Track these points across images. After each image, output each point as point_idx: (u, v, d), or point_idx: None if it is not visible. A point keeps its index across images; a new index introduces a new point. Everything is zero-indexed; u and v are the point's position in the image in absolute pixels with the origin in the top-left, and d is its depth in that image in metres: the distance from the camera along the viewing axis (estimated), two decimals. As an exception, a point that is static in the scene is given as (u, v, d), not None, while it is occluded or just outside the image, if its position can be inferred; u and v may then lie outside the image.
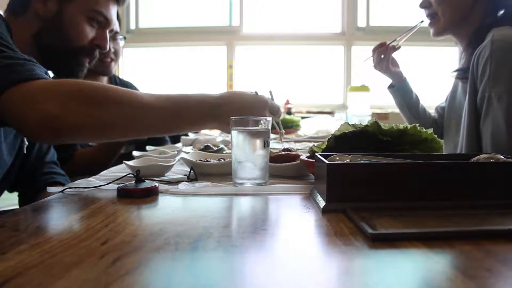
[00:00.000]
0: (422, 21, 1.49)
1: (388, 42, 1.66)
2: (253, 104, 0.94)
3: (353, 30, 3.69)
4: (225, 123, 0.90)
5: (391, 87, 1.67)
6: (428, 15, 1.36)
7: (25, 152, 1.19)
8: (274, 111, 1.01)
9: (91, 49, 1.13)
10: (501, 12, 1.26)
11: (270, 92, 1.18)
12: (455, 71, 1.37)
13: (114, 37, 1.82)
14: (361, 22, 3.70)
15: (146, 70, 3.72)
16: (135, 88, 2.06)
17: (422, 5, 1.36)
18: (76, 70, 1.12)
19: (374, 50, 1.68)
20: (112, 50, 1.80)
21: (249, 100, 0.95)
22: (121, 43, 1.87)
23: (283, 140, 1.19)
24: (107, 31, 1.15)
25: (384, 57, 1.64)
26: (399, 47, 1.67)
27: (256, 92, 0.95)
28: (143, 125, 0.85)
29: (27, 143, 1.18)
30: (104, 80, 1.90)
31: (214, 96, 0.93)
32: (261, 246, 0.55)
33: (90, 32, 1.11)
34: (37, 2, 1.07)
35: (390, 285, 0.42)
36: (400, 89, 1.64)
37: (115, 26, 1.20)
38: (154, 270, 0.44)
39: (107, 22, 1.13)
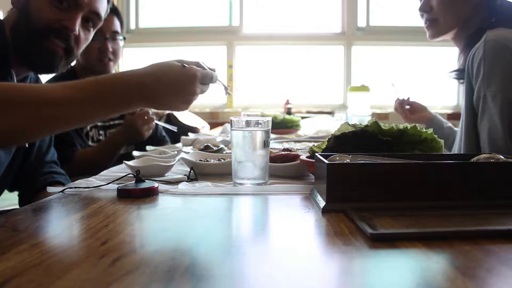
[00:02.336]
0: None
1: (396, 98, 1.85)
2: (181, 79, 0.85)
3: (353, 30, 3.69)
4: (154, 102, 0.86)
5: None
6: (427, 19, 1.36)
7: (26, 145, 1.17)
8: (207, 80, 0.91)
9: (58, 31, 1.06)
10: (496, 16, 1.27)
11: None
12: (452, 71, 1.38)
13: (113, 37, 1.81)
14: (361, 22, 3.69)
15: (146, 70, 3.71)
16: None
17: (422, 9, 1.36)
18: (49, 58, 1.08)
19: (396, 110, 1.87)
20: (111, 50, 1.79)
21: (177, 76, 0.86)
22: (121, 43, 1.86)
23: (230, 92, 1.14)
24: (79, 14, 1.08)
25: (403, 112, 1.82)
26: (408, 99, 1.82)
27: (183, 65, 0.85)
28: (60, 122, 0.80)
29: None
30: None
31: (138, 73, 0.85)
32: (261, 246, 0.55)
33: (53, 12, 1.05)
34: None
35: (390, 285, 0.42)
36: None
37: (96, 8, 1.12)
38: (154, 270, 0.44)
39: (76, 3, 1.07)
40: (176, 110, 0.92)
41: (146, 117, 1.68)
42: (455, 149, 1.31)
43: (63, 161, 1.43)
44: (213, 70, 0.93)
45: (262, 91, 3.78)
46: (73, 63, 1.84)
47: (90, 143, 1.72)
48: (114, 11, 1.83)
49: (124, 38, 1.88)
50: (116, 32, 1.82)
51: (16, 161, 1.18)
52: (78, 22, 1.08)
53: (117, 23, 1.83)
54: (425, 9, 1.35)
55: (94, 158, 1.59)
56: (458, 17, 1.30)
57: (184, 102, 0.87)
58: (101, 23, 1.18)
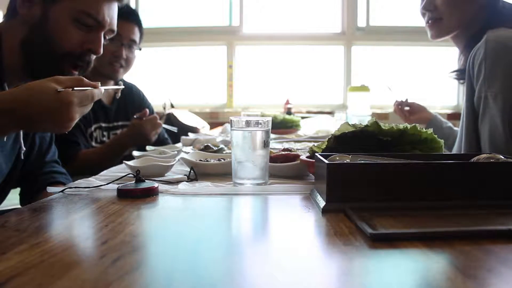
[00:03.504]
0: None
1: (395, 101, 1.86)
2: (55, 106, 0.78)
3: (353, 30, 3.69)
4: (29, 128, 0.82)
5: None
6: (431, 18, 1.36)
7: (22, 158, 1.17)
8: (87, 101, 0.83)
9: (82, 54, 1.04)
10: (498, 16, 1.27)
11: None
12: (453, 72, 1.38)
13: (130, 45, 1.82)
14: (361, 22, 3.69)
15: (146, 70, 3.71)
16: (137, 90, 2.06)
17: (426, 8, 1.35)
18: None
19: (395, 112, 1.88)
20: (125, 57, 1.79)
21: (49, 102, 0.78)
22: (136, 53, 1.87)
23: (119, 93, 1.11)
24: (102, 34, 1.06)
25: (402, 113, 1.84)
26: (406, 100, 1.83)
27: (57, 90, 0.78)
28: None
29: (24, 148, 1.15)
30: (111, 84, 1.90)
31: (8, 99, 0.78)
32: (261, 246, 0.55)
33: (78, 36, 1.02)
34: (21, 7, 1.01)
35: (390, 285, 0.42)
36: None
37: (113, 26, 1.10)
38: (154, 270, 0.44)
39: (99, 24, 1.04)
40: (55, 133, 0.86)
41: (154, 122, 1.68)
42: (456, 149, 1.31)
43: (66, 160, 1.43)
44: (94, 86, 0.84)
45: (262, 91, 3.78)
46: None
47: (93, 143, 1.72)
48: (137, 22, 1.85)
49: (140, 49, 1.88)
50: (133, 41, 1.83)
51: (16, 169, 1.18)
52: (102, 43, 1.06)
53: (137, 33, 1.85)
54: (429, 8, 1.34)
55: (98, 159, 1.59)
56: (463, 17, 1.29)
57: (62, 127, 0.82)
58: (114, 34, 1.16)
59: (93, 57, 1.08)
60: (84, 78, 0.83)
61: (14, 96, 0.79)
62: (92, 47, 1.04)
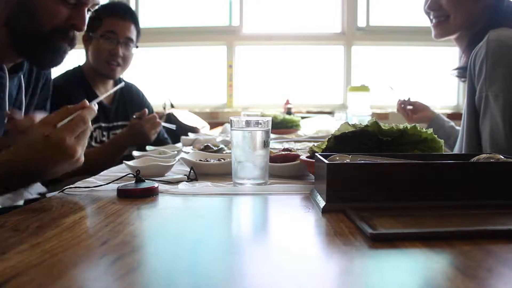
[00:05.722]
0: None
1: (398, 100, 1.86)
2: (51, 152, 0.78)
3: (353, 30, 3.69)
4: (44, 177, 0.83)
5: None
6: (436, 17, 1.35)
7: None
8: (80, 128, 0.81)
9: (65, 30, 1.02)
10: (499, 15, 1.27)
11: None
12: (455, 69, 1.38)
13: (126, 43, 1.82)
14: (361, 22, 3.69)
15: (146, 70, 3.71)
16: (137, 90, 2.06)
17: (431, 7, 1.35)
18: (54, 55, 1.05)
19: (398, 111, 1.88)
20: (121, 55, 1.79)
21: (44, 149, 0.78)
22: (133, 51, 1.87)
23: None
24: (85, 10, 1.04)
25: (405, 112, 1.84)
26: (409, 99, 1.84)
27: (45, 135, 0.77)
28: None
29: None
30: (109, 83, 1.90)
31: (5, 159, 0.79)
32: (261, 246, 0.55)
33: (61, 11, 1.00)
34: None
35: (390, 285, 0.42)
36: (432, 128, 1.67)
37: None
38: (154, 270, 0.44)
39: (81, 0, 1.01)
40: (71, 169, 0.84)
41: (153, 122, 1.68)
42: (457, 149, 1.31)
43: None
44: (82, 107, 0.82)
45: (262, 91, 3.78)
46: (81, 63, 1.85)
47: (93, 143, 1.72)
48: (133, 20, 1.85)
49: (137, 47, 1.88)
50: (130, 39, 1.83)
51: None
52: (85, 20, 1.05)
53: (133, 31, 1.85)
54: (433, 7, 1.34)
55: (97, 159, 1.59)
56: (468, 16, 1.29)
57: (71, 164, 0.81)
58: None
59: (76, 33, 1.06)
60: (69, 106, 0.81)
61: (12, 156, 0.79)
62: (76, 22, 1.03)
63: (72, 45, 1.08)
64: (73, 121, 0.79)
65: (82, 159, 0.83)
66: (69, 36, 1.05)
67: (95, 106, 0.84)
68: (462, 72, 1.32)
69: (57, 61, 1.07)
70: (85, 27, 1.05)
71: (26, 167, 0.79)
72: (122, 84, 1.09)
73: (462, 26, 1.31)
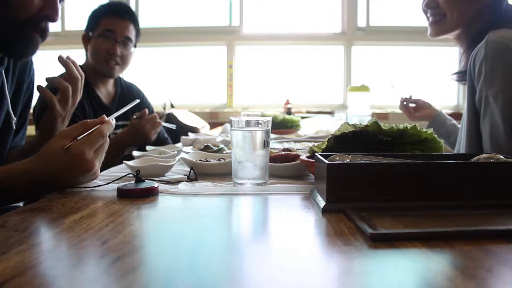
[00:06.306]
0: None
1: (401, 98, 1.86)
2: (69, 165, 0.79)
3: (353, 30, 3.68)
4: (63, 187, 0.83)
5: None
6: (433, 15, 1.35)
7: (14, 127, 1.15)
8: (99, 142, 0.82)
9: (38, 20, 1.00)
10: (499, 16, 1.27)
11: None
12: (454, 74, 1.38)
13: (125, 42, 1.82)
14: (361, 22, 3.69)
15: (146, 70, 3.71)
16: (137, 90, 2.06)
17: (428, 5, 1.35)
18: (27, 46, 1.03)
19: (400, 109, 1.88)
20: (119, 54, 1.80)
21: (62, 162, 0.79)
22: (131, 50, 1.87)
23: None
24: (58, 0, 1.02)
25: (407, 110, 1.85)
26: (411, 97, 1.84)
27: (64, 148, 0.78)
28: None
29: (15, 118, 1.12)
30: (110, 82, 1.90)
31: (26, 168, 0.80)
32: (261, 246, 0.55)
33: (35, 1, 0.98)
34: None
35: (390, 285, 0.42)
36: (433, 127, 1.68)
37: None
38: (154, 270, 0.44)
39: None
40: (84, 183, 0.85)
41: (153, 122, 1.68)
42: (457, 149, 1.32)
43: None
44: (101, 121, 0.83)
45: (262, 91, 3.78)
46: (81, 63, 1.85)
47: None
48: (132, 19, 1.86)
49: (135, 46, 1.89)
50: (128, 38, 1.83)
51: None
52: (58, 10, 1.03)
53: (132, 30, 1.85)
54: (431, 5, 1.34)
55: None
56: (465, 15, 1.30)
57: (89, 177, 0.82)
58: None
59: (49, 24, 1.05)
60: (88, 120, 0.83)
61: (31, 166, 0.80)
62: (48, 12, 1.01)
63: (43, 36, 1.06)
64: (92, 135, 0.80)
65: (99, 173, 0.84)
66: (41, 27, 1.03)
67: (113, 121, 0.85)
68: (462, 76, 1.32)
69: (29, 52, 1.06)
70: (58, 18, 1.04)
71: (44, 177, 0.79)
72: (137, 100, 1.08)
73: (458, 26, 1.31)
